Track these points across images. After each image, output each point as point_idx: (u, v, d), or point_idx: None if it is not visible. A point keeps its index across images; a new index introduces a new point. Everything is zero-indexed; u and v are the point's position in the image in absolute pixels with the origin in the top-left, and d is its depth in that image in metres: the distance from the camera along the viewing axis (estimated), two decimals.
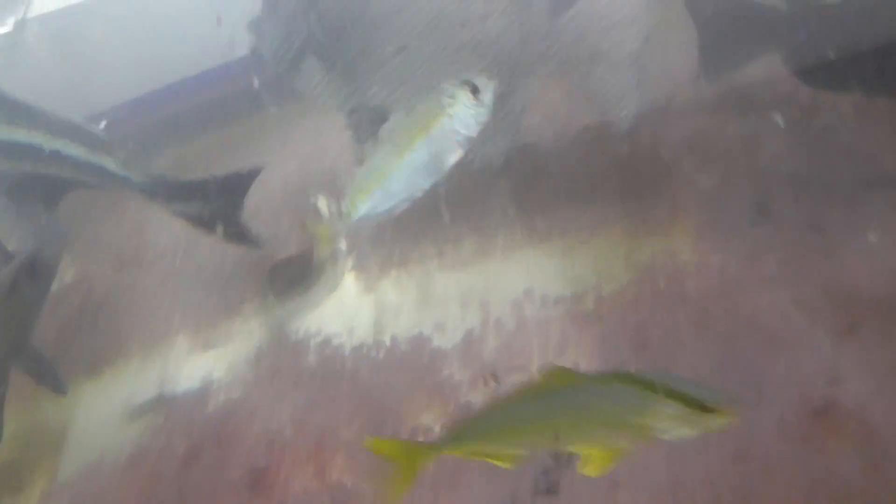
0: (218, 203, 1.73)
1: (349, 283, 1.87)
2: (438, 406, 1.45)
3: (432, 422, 1.42)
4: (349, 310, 1.78)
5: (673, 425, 0.86)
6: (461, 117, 1.25)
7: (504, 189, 2.01)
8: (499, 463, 0.94)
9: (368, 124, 1.73)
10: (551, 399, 0.93)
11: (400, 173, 1.28)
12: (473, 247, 1.86)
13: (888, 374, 1.22)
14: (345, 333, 1.70)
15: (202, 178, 1.77)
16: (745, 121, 1.95)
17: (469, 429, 0.96)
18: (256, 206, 2.07)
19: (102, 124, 1.95)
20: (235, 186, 1.73)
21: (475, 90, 1.24)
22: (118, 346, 1.87)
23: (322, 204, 1.31)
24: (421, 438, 1.38)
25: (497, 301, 1.66)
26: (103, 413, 1.75)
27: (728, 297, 1.49)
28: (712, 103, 2.02)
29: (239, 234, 1.77)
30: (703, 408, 0.84)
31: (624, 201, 1.84)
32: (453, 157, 1.28)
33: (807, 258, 1.49)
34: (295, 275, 1.93)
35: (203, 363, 1.77)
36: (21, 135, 1.65)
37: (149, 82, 2.39)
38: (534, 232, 1.86)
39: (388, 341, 1.64)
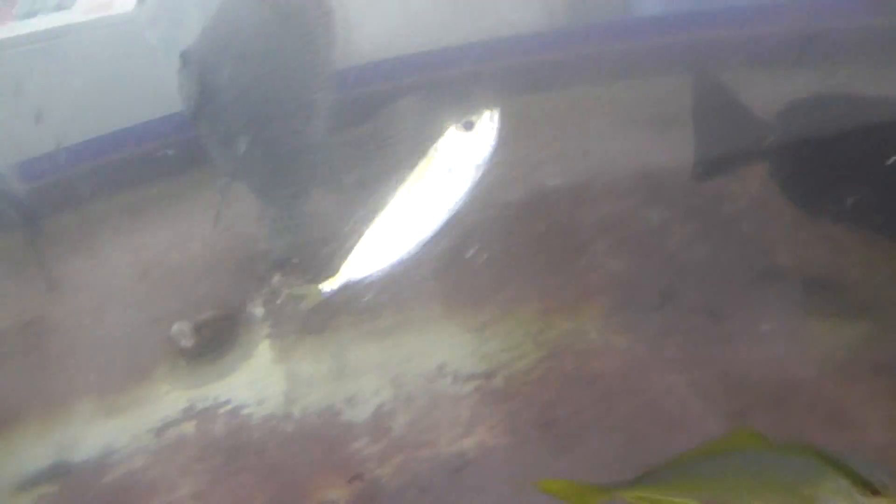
0: None
1: (263, 351, 1.86)
2: (344, 482, 1.44)
3: (338, 497, 1.41)
4: (261, 379, 1.76)
5: (838, 500, 0.87)
6: None
7: (425, 262, 2.05)
8: None
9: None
10: (732, 458, 0.95)
11: None
12: (391, 319, 1.88)
13: None
14: (254, 403, 1.68)
15: None
16: (656, 207, 2.07)
17: (648, 476, 0.96)
18: (176, 268, 2.05)
19: None
20: None
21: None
22: (16, 411, 1.79)
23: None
24: None
25: (410, 375, 1.68)
26: None
27: (631, 378, 1.55)
28: (627, 188, 2.13)
29: None
30: (871, 489, 0.86)
31: (538, 279, 1.91)
32: None
33: (704, 344, 1.57)
34: (208, 340, 1.91)
35: (105, 430, 1.71)
36: None
37: None
38: (451, 306, 1.89)
39: (297, 413, 1.63)
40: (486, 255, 2.03)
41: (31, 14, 2.22)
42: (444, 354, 1.72)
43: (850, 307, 1.61)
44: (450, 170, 1.21)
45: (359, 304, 1.93)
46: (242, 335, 1.92)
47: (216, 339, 1.89)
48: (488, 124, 1.20)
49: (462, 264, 2.01)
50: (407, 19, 2.26)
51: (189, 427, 1.66)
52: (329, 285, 1.25)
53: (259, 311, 2.00)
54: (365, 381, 1.69)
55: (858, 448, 1.29)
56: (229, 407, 1.69)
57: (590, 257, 1.94)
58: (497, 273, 1.95)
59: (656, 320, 1.68)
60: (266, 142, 1.76)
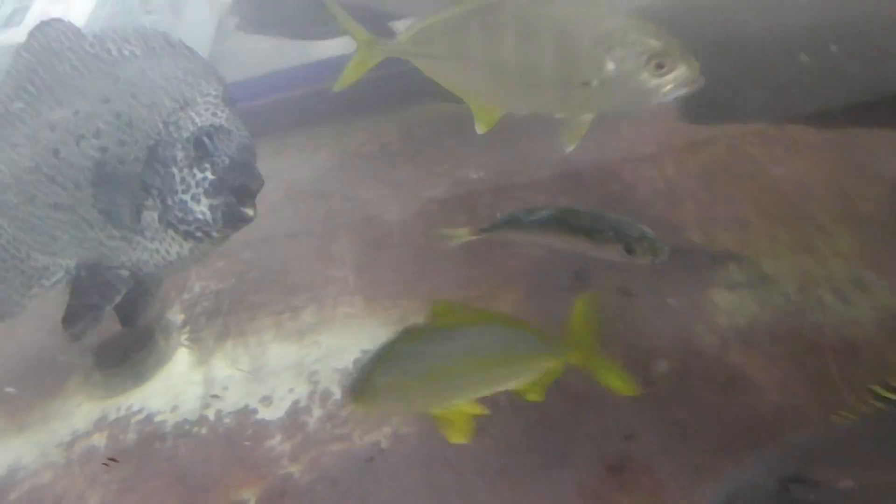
0: None
1: (180, 358, 1.82)
2: (256, 481, 1.41)
3: (249, 496, 1.38)
4: (176, 385, 1.73)
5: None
6: None
7: (347, 258, 2.04)
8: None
9: None
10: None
11: None
12: (312, 318, 1.87)
13: (676, 429, 1.31)
14: (168, 410, 1.65)
15: None
16: (574, 196, 2.09)
17: None
18: None
19: None
20: None
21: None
22: None
23: None
24: None
25: (327, 371, 1.66)
26: None
27: None
28: (548, 179, 2.15)
29: None
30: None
31: (460, 271, 1.91)
32: None
33: (614, 320, 1.58)
34: (124, 349, 1.86)
35: (13, 447, 1.66)
36: None
37: None
38: (372, 301, 1.88)
39: (212, 416, 1.60)
40: (408, 250, 2.04)
41: None
42: (361, 349, 1.71)
43: (753, 278, 1.65)
44: None
45: (279, 305, 1.92)
46: (160, 342, 1.88)
47: (132, 349, 1.86)
48: None
49: (385, 260, 2.01)
50: None
51: (99, 438, 1.61)
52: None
53: (178, 318, 1.97)
54: (281, 380, 1.67)
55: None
56: (142, 416, 1.65)
57: (510, 246, 1.95)
58: (419, 267, 1.96)
59: (570, 301, 1.69)
60: None
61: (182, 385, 1.72)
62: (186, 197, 1.30)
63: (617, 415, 1.37)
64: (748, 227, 1.84)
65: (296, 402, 1.59)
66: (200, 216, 1.30)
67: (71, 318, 1.39)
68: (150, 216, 1.35)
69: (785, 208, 1.89)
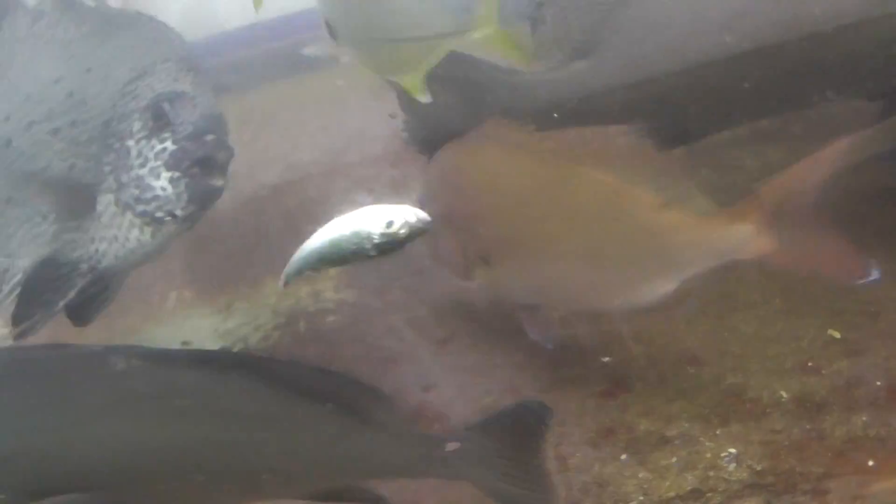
0: None
1: None
2: None
3: None
4: None
5: None
6: None
7: (178, 252, 2.03)
8: None
9: None
10: None
11: None
12: (140, 314, 1.84)
13: (469, 376, 1.38)
14: None
15: None
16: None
17: None
18: None
19: None
20: None
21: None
22: None
23: None
24: None
25: None
26: None
27: (357, 326, 1.60)
28: (373, 156, 2.19)
29: None
30: None
31: (284, 254, 1.93)
32: None
33: (421, 284, 1.65)
34: None
35: None
36: None
37: None
38: (200, 292, 1.88)
39: None
40: (236, 240, 2.04)
41: None
42: (186, 337, 1.71)
43: None
44: None
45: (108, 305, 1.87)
46: None
47: None
48: None
49: (214, 250, 2.00)
50: None
51: None
52: None
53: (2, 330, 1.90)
54: None
55: None
56: None
57: None
58: (246, 254, 1.97)
59: (384, 272, 1.75)
60: None
61: None
62: (143, 172, 1.15)
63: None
64: None
65: None
66: (161, 192, 1.16)
67: (19, 315, 1.24)
68: (106, 199, 1.21)
69: None
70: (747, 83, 1.20)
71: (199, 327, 1.75)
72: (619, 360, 1.36)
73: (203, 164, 1.14)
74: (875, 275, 0.98)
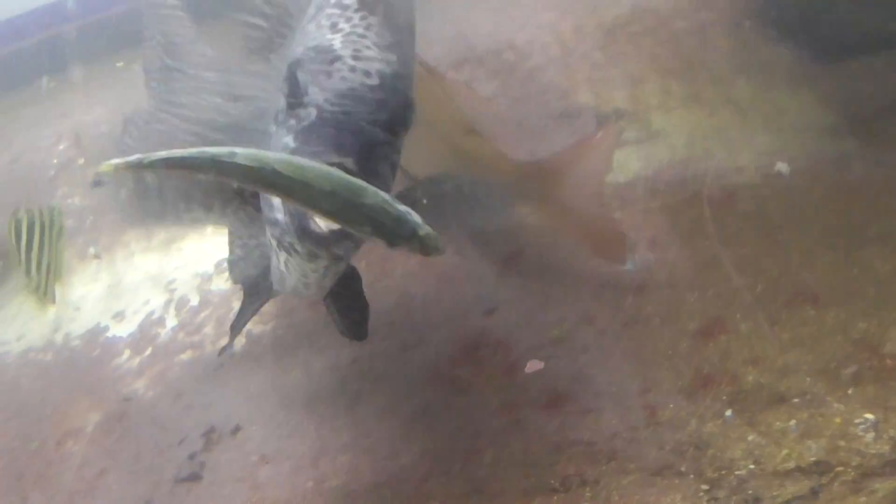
0: None
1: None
2: (97, 404, 1.28)
3: (86, 423, 1.26)
4: (26, 311, 1.57)
5: None
6: None
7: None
8: None
9: None
10: None
11: None
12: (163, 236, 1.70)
13: (538, 303, 1.20)
14: (14, 339, 1.50)
15: None
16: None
17: None
18: None
19: None
20: None
21: None
22: None
23: None
24: (70, 444, 1.22)
25: (186, 277, 1.51)
26: None
27: None
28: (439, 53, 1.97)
29: None
30: None
31: None
32: None
33: None
34: None
35: None
36: None
37: None
38: None
39: (60, 340, 1.46)
40: None
41: None
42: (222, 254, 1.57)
43: (641, 135, 1.52)
44: None
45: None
46: (14, 270, 1.71)
47: None
48: None
49: None
50: None
51: None
52: None
53: None
54: (137, 293, 1.52)
55: None
56: None
57: None
58: None
59: None
60: None
61: (33, 311, 1.57)
62: None
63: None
64: (640, 84, 1.71)
65: (150, 314, 1.45)
66: None
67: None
68: None
69: (681, 62, 1.75)
70: None
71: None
72: (715, 293, 1.16)
73: None
74: (630, 266, 1.16)
